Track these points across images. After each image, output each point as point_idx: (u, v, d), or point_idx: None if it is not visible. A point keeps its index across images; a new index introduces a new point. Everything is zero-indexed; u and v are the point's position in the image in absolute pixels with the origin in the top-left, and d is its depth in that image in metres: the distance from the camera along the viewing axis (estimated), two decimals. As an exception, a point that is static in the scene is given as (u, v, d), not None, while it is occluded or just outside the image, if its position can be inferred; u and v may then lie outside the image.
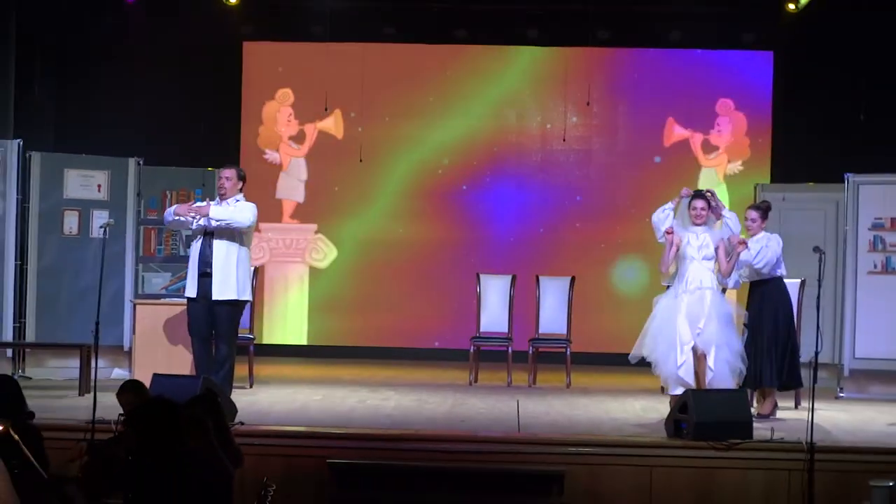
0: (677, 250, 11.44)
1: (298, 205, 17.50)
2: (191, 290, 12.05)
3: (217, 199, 12.14)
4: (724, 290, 11.94)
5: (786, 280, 11.97)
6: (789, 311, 11.96)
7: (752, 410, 11.26)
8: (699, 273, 11.36)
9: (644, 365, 11.58)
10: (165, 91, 16.48)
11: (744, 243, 11.50)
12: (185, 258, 14.78)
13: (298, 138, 17.50)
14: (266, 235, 17.38)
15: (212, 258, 11.94)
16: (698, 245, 11.41)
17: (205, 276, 11.96)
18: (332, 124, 17.41)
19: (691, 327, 11.22)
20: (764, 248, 11.72)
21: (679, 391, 10.88)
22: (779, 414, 11.74)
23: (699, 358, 11.24)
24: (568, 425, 11.05)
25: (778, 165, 16.88)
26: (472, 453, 9.95)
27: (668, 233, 11.49)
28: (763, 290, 11.87)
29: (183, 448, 6.88)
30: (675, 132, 17.22)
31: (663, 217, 11.67)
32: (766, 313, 11.79)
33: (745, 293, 12.24)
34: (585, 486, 9.79)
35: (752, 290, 11.98)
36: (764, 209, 12.01)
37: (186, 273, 12.27)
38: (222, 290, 11.93)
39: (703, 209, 11.49)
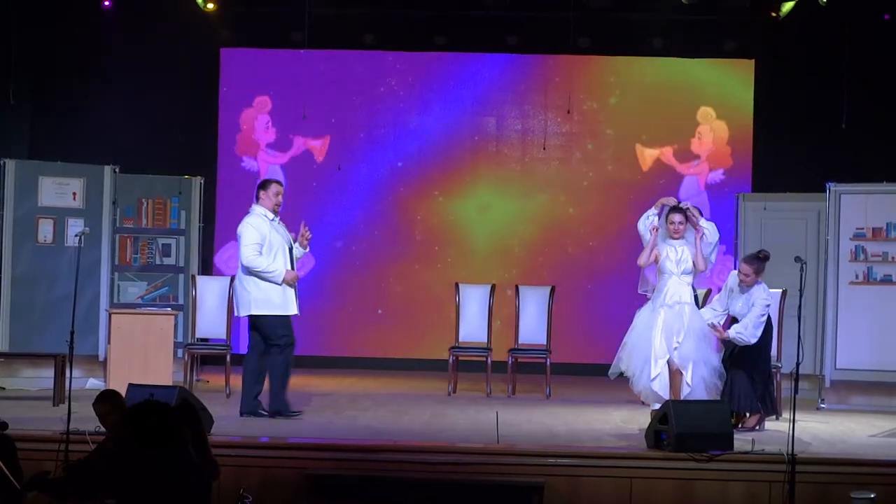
0: (657, 261, 11.45)
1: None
2: (295, 307, 11.90)
3: (274, 216, 11.95)
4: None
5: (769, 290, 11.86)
6: (767, 338, 11.82)
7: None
8: (678, 288, 11.38)
9: (624, 377, 11.57)
10: (142, 98, 16.37)
11: (717, 329, 11.48)
12: (161, 267, 14.79)
13: (276, 145, 17.39)
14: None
15: None
16: (676, 259, 11.42)
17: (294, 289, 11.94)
18: (320, 147, 17.28)
19: (668, 341, 11.25)
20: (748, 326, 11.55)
21: (657, 406, 10.85)
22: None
23: (674, 373, 11.25)
24: (548, 436, 11.00)
25: (759, 174, 16.85)
26: (450, 465, 9.89)
27: (653, 229, 11.49)
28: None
29: (163, 457, 6.83)
30: (647, 154, 17.16)
31: (648, 224, 11.65)
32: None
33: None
34: (565, 497, 9.75)
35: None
36: (759, 262, 11.63)
37: (276, 291, 11.80)
38: None
39: (680, 223, 11.50)
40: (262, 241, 11.72)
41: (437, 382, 14.73)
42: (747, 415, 11.65)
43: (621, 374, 11.60)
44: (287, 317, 11.86)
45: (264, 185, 12.04)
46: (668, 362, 11.29)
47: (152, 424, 6.87)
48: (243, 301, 11.85)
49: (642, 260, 11.60)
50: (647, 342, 11.32)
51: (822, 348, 14.00)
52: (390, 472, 9.79)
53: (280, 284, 11.72)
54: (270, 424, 11.32)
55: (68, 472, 7.97)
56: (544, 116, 16.96)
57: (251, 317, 11.84)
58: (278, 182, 12.11)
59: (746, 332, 11.42)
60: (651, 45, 16.83)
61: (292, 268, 11.86)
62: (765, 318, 11.54)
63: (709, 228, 11.62)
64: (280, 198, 11.98)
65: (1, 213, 14.14)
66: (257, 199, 11.98)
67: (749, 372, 11.55)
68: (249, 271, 11.73)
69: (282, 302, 11.80)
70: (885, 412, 13.25)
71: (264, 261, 11.68)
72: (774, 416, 11.92)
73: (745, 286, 11.62)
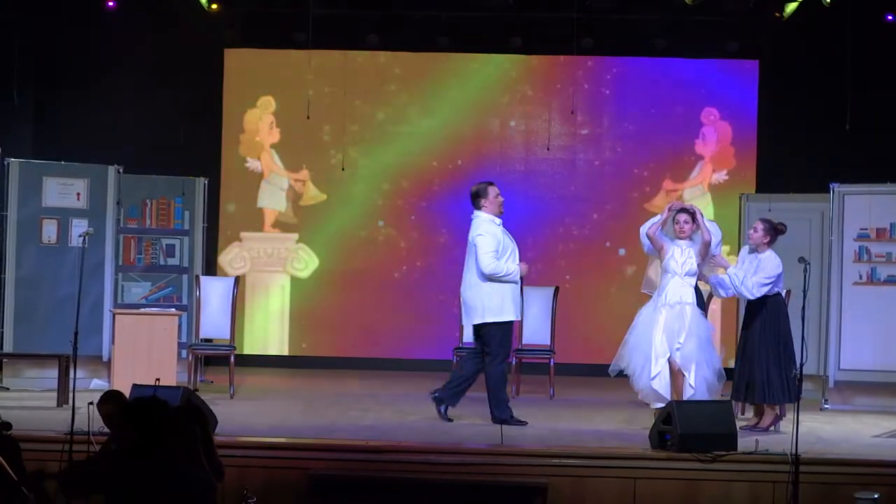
0: (661, 258, 11.46)
1: (280, 214, 17.39)
2: (519, 312, 11.93)
3: (499, 219, 11.88)
4: (705, 305, 11.93)
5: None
6: (786, 327, 11.76)
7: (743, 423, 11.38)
8: (679, 289, 11.36)
9: (626, 377, 11.56)
10: (146, 98, 16.40)
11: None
12: (165, 267, 14.79)
13: (279, 146, 17.39)
14: (247, 245, 17.30)
15: None
16: (681, 261, 11.39)
17: None
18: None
19: (670, 342, 11.25)
20: (739, 275, 11.56)
21: (660, 405, 10.85)
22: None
23: (676, 374, 11.25)
24: (551, 437, 10.99)
25: (763, 175, 16.84)
26: (454, 465, 9.90)
27: (669, 208, 11.54)
28: (758, 306, 11.69)
29: (168, 457, 6.81)
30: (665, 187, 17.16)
31: (653, 229, 11.63)
32: (765, 328, 11.63)
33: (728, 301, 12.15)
34: (569, 498, 9.76)
35: (750, 305, 11.83)
36: (772, 226, 11.76)
37: (508, 297, 11.74)
38: None
39: (686, 222, 11.49)
40: (498, 246, 11.71)
41: (440, 383, 14.66)
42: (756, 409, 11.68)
43: (621, 371, 11.59)
44: (511, 326, 11.91)
45: (483, 191, 11.82)
46: (669, 362, 11.28)
47: (155, 421, 6.83)
48: (477, 309, 11.74)
49: (645, 227, 11.62)
50: (647, 341, 11.31)
51: (826, 349, 13.99)
52: (394, 472, 9.79)
53: (518, 282, 11.76)
54: (274, 425, 11.32)
55: (70, 468, 7.99)
56: (548, 117, 16.94)
57: (477, 325, 11.80)
58: (493, 184, 11.95)
59: (747, 282, 11.45)
60: (654, 46, 16.82)
61: None
62: (770, 282, 11.55)
63: (711, 228, 11.62)
64: (501, 198, 11.88)
65: (5, 214, 14.14)
66: (479, 206, 11.83)
67: (777, 358, 11.50)
68: (489, 278, 11.66)
69: (512, 308, 11.75)
70: (889, 412, 13.23)
71: (503, 265, 11.66)
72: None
73: (751, 244, 11.73)
